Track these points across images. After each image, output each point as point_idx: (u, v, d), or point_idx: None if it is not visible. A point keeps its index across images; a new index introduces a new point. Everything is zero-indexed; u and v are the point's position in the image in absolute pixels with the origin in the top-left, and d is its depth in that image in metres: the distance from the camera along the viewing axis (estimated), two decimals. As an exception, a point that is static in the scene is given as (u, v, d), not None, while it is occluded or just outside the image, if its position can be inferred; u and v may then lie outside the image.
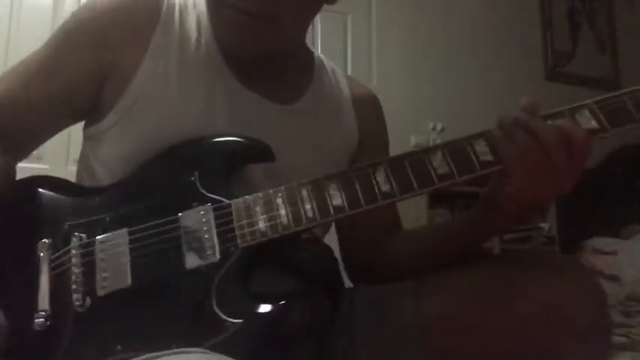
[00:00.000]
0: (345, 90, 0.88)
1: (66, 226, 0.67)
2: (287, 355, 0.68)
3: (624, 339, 1.89)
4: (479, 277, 0.68)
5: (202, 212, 0.65)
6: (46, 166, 2.07)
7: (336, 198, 0.64)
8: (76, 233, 0.66)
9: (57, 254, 0.66)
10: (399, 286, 0.75)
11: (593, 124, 0.62)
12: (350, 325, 0.74)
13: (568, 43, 3.70)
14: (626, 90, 0.63)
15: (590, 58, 3.75)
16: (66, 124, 0.77)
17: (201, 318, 0.61)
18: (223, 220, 0.65)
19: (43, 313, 0.62)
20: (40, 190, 0.72)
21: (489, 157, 0.63)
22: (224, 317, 0.60)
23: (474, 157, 0.63)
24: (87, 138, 0.77)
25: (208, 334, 0.60)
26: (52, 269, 0.65)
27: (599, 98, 0.63)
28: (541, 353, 0.61)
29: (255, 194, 0.65)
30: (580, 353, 0.60)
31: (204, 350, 0.57)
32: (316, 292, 0.74)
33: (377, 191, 0.64)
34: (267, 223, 0.64)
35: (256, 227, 0.64)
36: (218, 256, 0.63)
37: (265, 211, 0.64)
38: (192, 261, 0.63)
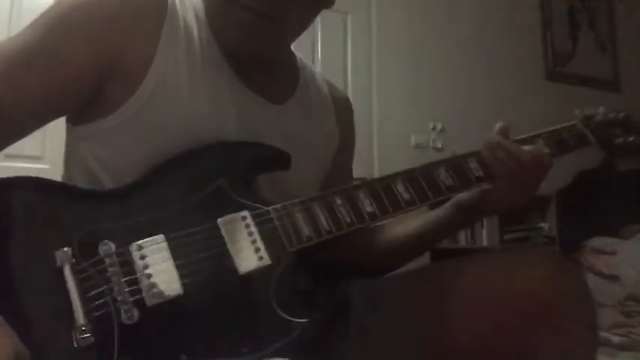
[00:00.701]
0: (326, 92, 0.90)
1: (83, 233, 0.61)
2: (330, 349, 0.71)
3: (624, 339, 1.89)
4: (467, 272, 0.72)
5: (242, 218, 0.66)
6: (46, 166, 2.07)
7: (368, 205, 0.71)
8: (104, 241, 0.61)
9: (84, 264, 0.60)
10: (389, 281, 0.79)
11: (547, 150, 0.80)
12: (344, 318, 0.76)
13: (568, 43, 3.70)
14: (565, 125, 0.85)
15: (590, 58, 3.75)
16: (52, 120, 0.71)
17: (265, 321, 0.62)
18: (266, 226, 0.66)
19: (84, 328, 0.57)
20: (43, 192, 0.65)
21: (481, 173, 0.77)
22: (289, 318, 0.62)
23: (470, 173, 0.77)
24: (84, 137, 0.72)
25: (276, 336, 0.61)
26: (80, 280, 0.59)
27: (548, 130, 0.83)
28: (519, 346, 0.63)
29: (290, 201, 0.69)
30: (558, 345, 0.62)
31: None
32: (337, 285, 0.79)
33: (400, 199, 0.72)
34: (311, 228, 0.68)
35: (302, 232, 0.67)
36: (269, 260, 0.64)
37: (306, 217, 0.68)
38: (245, 266, 0.63)
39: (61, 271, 0.59)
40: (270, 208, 0.67)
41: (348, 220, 0.69)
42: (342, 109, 0.91)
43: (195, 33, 0.73)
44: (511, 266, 0.68)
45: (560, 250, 2.93)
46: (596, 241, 2.90)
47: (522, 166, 0.74)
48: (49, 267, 0.59)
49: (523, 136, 0.81)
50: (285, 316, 0.62)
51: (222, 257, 0.63)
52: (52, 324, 0.58)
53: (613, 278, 2.64)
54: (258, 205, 0.67)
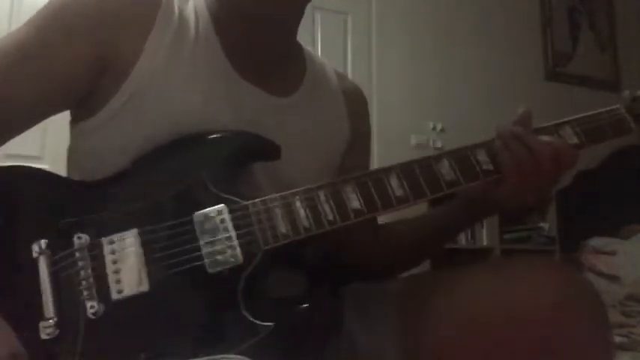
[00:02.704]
0: (336, 84, 0.87)
1: (61, 225, 0.61)
2: (313, 354, 0.68)
3: (624, 339, 1.89)
4: (465, 283, 0.66)
5: (218, 213, 0.63)
6: (46, 166, 2.07)
7: (354, 201, 0.65)
8: (78, 233, 0.61)
9: (58, 256, 0.60)
10: (385, 290, 0.75)
11: (575, 140, 0.71)
12: (335, 327, 0.73)
13: (568, 43, 3.71)
14: (604, 109, 0.73)
15: (590, 58, 3.76)
16: (45, 117, 0.71)
17: (229, 322, 0.60)
18: (242, 221, 0.63)
19: (51, 321, 0.57)
20: (26, 181, 0.65)
21: (490, 167, 0.69)
22: (254, 321, 0.59)
23: (477, 166, 0.69)
24: (80, 134, 0.72)
25: (239, 339, 0.58)
26: (53, 273, 0.59)
27: (579, 116, 0.73)
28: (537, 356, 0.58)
29: (271, 196, 0.65)
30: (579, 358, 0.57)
31: (243, 357, 0.56)
32: (324, 290, 0.75)
33: (392, 195, 0.66)
34: (289, 226, 0.63)
35: (278, 229, 0.63)
36: (241, 258, 0.61)
37: (285, 213, 0.64)
38: (214, 264, 0.60)
39: (36, 262, 0.59)
40: (248, 202, 0.64)
41: (331, 217, 0.64)
42: (354, 100, 0.88)
43: (192, 25, 0.72)
44: (512, 278, 0.62)
45: (560, 250, 2.93)
46: (596, 241, 2.90)
47: (539, 160, 0.66)
48: (26, 258, 0.60)
49: (547, 124, 0.71)
50: (249, 318, 0.59)
51: (193, 254, 0.61)
52: (21, 314, 0.58)
53: (613, 278, 2.64)
54: (237, 200, 0.64)
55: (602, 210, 2.97)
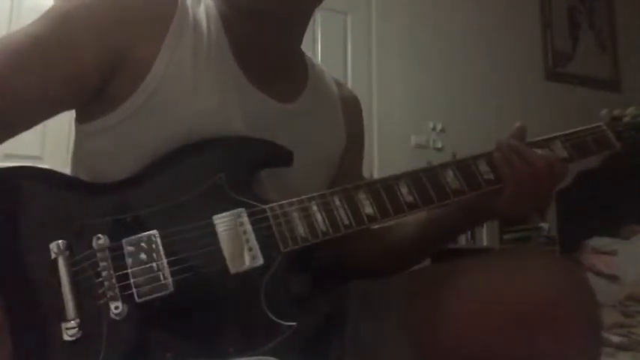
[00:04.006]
0: (334, 91, 0.89)
1: (79, 226, 0.62)
2: (325, 352, 0.70)
3: (624, 339, 1.89)
4: (465, 275, 0.68)
5: (237, 216, 0.64)
6: (46, 166, 2.07)
7: (367, 207, 0.68)
8: (97, 234, 0.61)
9: (77, 257, 0.60)
10: (388, 286, 0.76)
11: (565, 154, 0.76)
12: (340, 323, 0.75)
13: (568, 43, 3.70)
14: (588, 127, 0.79)
15: (590, 58, 3.75)
16: (54, 114, 0.70)
17: (254, 322, 0.61)
18: (261, 224, 0.65)
19: (74, 322, 0.57)
20: (41, 183, 0.66)
21: (491, 176, 0.73)
22: (278, 320, 0.61)
23: (479, 176, 0.73)
24: (89, 134, 0.72)
25: (263, 338, 0.60)
26: (73, 273, 0.59)
27: (567, 132, 0.78)
28: (520, 350, 0.60)
29: (288, 200, 0.67)
30: (560, 349, 0.59)
31: (270, 358, 0.57)
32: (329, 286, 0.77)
33: (402, 202, 0.69)
34: (307, 229, 0.66)
35: (297, 233, 0.65)
36: (262, 260, 0.63)
37: (303, 217, 0.66)
38: (236, 265, 0.62)
39: (55, 263, 0.60)
40: (266, 206, 0.66)
41: (346, 221, 0.67)
42: (350, 108, 0.90)
43: (205, 30, 0.72)
44: (511, 269, 0.65)
45: (560, 250, 2.93)
46: (596, 241, 2.90)
47: (535, 172, 0.70)
48: (44, 258, 0.60)
49: (539, 139, 0.76)
50: (273, 317, 0.61)
51: (215, 256, 0.62)
52: (43, 316, 0.58)
53: (613, 278, 2.64)
54: (254, 203, 0.66)
55: (602, 210, 2.97)
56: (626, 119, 0.80)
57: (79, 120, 0.74)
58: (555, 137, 0.77)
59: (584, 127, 0.78)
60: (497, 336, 0.62)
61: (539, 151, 0.73)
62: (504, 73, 3.34)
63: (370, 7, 3.13)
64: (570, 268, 0.66)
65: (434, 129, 3.12)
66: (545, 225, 3.02)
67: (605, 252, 2.81)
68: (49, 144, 2.23)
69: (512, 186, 0.71)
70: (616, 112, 0.81)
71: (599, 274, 2.69)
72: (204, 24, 0.73)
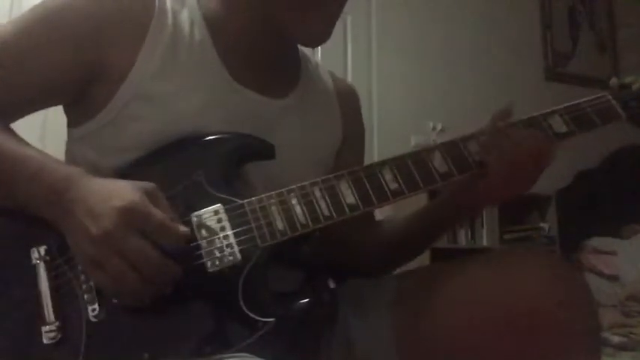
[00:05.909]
0: (330, 84, 0.88)
1: (58, 231, 0.62)
2: (312, 350, 0.69)
3: (624, 339, 1.89)
4: (462, 275, 0.68)
5: (215, 213, 0.64)
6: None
7: (349, 196, 0.66)
8: None
9: (57, 261, 0.62)
10: (378, 286, 0.76)
11: (564, 128, 0.72)
12: (331, 321, 0.74)
13: (568, 43, 3.70)
14: (592, 97, 0.74)
15: (590, 58, 3.75)
16: (30, 112, 0.72)
17: (231, 320, 0.61)
18: (239, 220, 0.64)
19: (53, 325, 0.59)
20: None
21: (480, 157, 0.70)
22: (255, 317, 0.60)
23: (469, 157, 0.70)
24: (76, 139, 0.73)
25: (241, 335, 0.59)
26: (52, 278, 0.61)
27: (567, 105, 0.73)
28: (518, 352, 0.60)
29: (267, 194, 0.66)
30: (558, 351, 0.59)
31: (249, 356, 0.57)
32: (324, 285, 0.75)
33: (386, 189, 0.67)
34: (286, 223, 0.64)
35: (275, 227, 0.64)
36: (239, 256, 0.62)
37: (281, 210, 0.65)
38: (213, 263, 0.61)
39: (35, 268, 0.61)
40: (244, 201, 0.65)
41: (327, 213, 0.65)
42: (347, 100, 0.89)
43: (187, 29, 0.72)
44: (509, 270, 0.64)
45: (560, 250, 2.92)
46: (596, 241, 2.89)
47: (522, 152, 0.68)
48: (24, 263, 0.61)
49: (536, 114, 0.73)
50: (250, 314, 0.60)
51: (193, 254, 0.62)
52: (23, 320, 0.59)
53: (613, 278, 2.64)
54: (233, 199, 0.65)
55: (602, 210, 2.97)
56: (635, 86, 0.77)
57: (68, 124, 0.75)
58: (554, 111, 0.73)
59: (585, 99, 0.74)
60: (488, 337, 0.61)
61: (526, 131, 0.70)
62: (504, 73, 3.34)
63: (370, 7, 3.13)
64: (567, 269, 0.65)
65: (434, 129, 3.11)
66: (545, 225, 3.02)
67: (605, 252, 2.81)
68: (49, 144, 2.22)
69: (498, 167, 0.68)
70: (627, 79, 0.78)
71: (599, 274, 2.69)
72: (186, 26, 0.72)
